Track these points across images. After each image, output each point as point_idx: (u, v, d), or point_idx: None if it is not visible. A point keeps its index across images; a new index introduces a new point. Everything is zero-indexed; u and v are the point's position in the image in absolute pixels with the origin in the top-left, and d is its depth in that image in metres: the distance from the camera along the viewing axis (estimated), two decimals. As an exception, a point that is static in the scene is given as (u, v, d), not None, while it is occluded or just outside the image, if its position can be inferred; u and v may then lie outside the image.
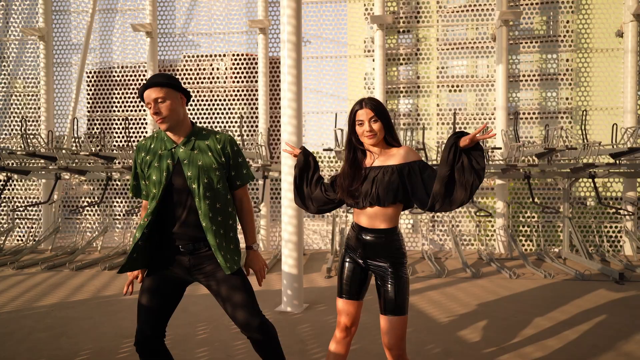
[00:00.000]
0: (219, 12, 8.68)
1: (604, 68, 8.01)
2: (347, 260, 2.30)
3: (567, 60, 8.14)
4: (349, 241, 2.31)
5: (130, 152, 6.60)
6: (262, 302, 4.70)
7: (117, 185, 8.64)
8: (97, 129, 8.80)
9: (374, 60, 8.23)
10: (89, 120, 8.97)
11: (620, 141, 6.07)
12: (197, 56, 8.84)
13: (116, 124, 8.84)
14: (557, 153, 6.97)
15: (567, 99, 8.14)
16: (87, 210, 8.64)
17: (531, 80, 8.18)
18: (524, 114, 8.20)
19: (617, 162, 6.34)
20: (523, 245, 7.95)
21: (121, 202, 8.65)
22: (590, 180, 7.27)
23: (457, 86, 8.44)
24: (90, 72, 9.00)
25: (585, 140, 6.24)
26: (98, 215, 8.63)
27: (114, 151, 7.37)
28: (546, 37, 8.25)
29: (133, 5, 8.80)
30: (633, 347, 3.42)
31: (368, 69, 8.68)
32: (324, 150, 7.65)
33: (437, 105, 8.40)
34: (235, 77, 8.77)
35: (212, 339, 3.65)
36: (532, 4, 8.13)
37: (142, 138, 2.32)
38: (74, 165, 6.90)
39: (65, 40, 8.91)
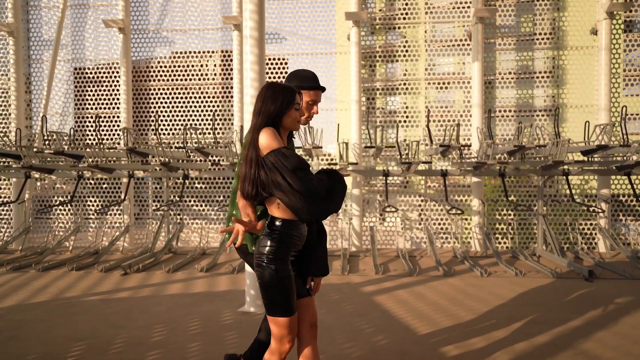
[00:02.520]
0: (194, 8, 8.55)
1: (580, 66, 8.04)
2: (291, 269, 2.08)
3: (548, 58, 8.16)
4: (294, 241, 2.06)
5: (102, 150, 6.44)
6: (227, 302, 4.63)
7: (90, 183, 8.48)
8: (90, 126, 8.61)
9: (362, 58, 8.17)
10: (77, 117, 8.76)
11: (592, 138, 6.08)
12: (182, 53, 8.66)
13: (100, 121, 8.64)
14: (530, 151, 6.99)
15: (547, 96, 8.16)
16: (60, 210, 8.47)
17: (510, 78, 8.18)
18: (504, 111, 8.20)
19: (589, 159, 6.35)
20: (499, 243, 7.96)
21: (94, 200, 8.50)
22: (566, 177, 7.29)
23: (445, 84, 8.43)
24: (76, 69, 8.83)
25: (557, 138, 6.24)
26: (71, 214, 8.46)
27: (88, 150, 7.21)
28: (524, 35, 8.25)
29: (106, 0, 8.63)
30: (591, 346, 3.40)
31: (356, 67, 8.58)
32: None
33: (425, 102, 8.38)
34: (210, 74, 8.64)
35: (167, 342, 3.56)
36: (508, 4, 8.12)
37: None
38: (38, 164, 6.73)
39: (37, 35, 8.71)
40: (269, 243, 2.03)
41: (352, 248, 7.70)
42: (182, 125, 8.37)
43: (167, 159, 5.88)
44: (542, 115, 8.12)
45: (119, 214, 8.37)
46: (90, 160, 5.96)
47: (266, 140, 1.96)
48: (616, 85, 7.92)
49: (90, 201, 8.50)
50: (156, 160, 5.87)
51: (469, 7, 8.10)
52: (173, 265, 6.16)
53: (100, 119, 8.49)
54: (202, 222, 8.31)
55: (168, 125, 8.51)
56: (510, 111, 8.20)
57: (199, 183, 8.44)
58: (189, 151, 6.47)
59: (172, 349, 3.40)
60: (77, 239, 8.16)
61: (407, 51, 8.29)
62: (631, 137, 7.65)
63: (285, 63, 8.60)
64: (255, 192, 2.01)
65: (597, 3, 7.73)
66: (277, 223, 2.03)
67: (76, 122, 8.71)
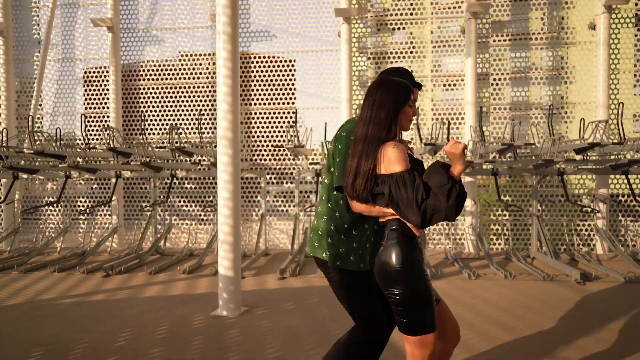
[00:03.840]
0: (183, 6, 8.45)
1: (586, 61, 7.78)
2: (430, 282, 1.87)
3: (554, 55, 7.93)
4: (420, 255, 1.85)
5: (81, 150, 6.35)
6: (202, 305, 4.51)
7: (80, 184, 8.43)
8: (101, 127, 8.55)
9: (366, 57, 7.98)
10: (85, 117, 8.71)
11: (587, 135, 5.86)
12: (193, 54, 8.54)
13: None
14: (526, 149, 6.78)
15: (552, 94, 7.94)
16: (50, 210, 8.43)
17: (514, 75, 7.96)
18: (506, 110, 7.97)
19: (584, 158, 6.13)
20: (494, 244, 7.75)
21: (84, 201, 8.44)
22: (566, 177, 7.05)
23: (451, 82, 8.23)
24: (86, 71, 8.81)
25: (552, 136, 6.03)
26: (63, 215, 8.41)
27: (69, 149, 7.14)
28: (528, 33, 8.01)
29: (95, -1, 8.58)
30: (571, 353, 3.22)
31: (361, 65, 8.42)
32: None
33: (432, 100, 8.19)
34: (201, 73, 8.53)
35: (129, 347, 3.44)
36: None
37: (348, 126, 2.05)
38: (25, 164, 6.68)
39: (27, 35, 8.69)
40: (403, 250, 1.79)
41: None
42: (177, 124, 8.29)
43: (148, 159, 5.78)
44: (552, 113, 7.84)
45: (109, 215, 8.29)
46: (71, 160, 5.86)
47: (396, 159, 1.77)
48: (615, 82, 7.67)
49: (80, 202, 8.45)
50: (138, 160, 5.76)
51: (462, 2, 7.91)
52: (156, 267, 6.06)
53: (86, 119, 8.45)
54: (191, 222, 8.21)
55: (167, 124, 8.40)
56: (508, 109, 7.98)
57: (188, 183, 8.35)
58: (174, 151, 6.36)
59: (131, 355, 3.29)
60: (67, 240, 8.11)
61: (413, 49, 8.11)
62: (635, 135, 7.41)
63: (293, 61, 8.45)
64: (366, 193, 1.81)
65: (595, -3, 7.50)
66: (402, 226, 1.82)
67: (83, 122, 8.64)
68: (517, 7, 8.04)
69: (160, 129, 8.41)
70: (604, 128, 5.27)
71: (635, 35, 7.77)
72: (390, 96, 1.83)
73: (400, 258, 1.79)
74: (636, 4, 7.68)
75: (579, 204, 6.98)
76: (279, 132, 8.27)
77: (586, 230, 7.47)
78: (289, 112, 8.28)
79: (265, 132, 8.33)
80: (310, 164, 6.76)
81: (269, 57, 8.38)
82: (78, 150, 6.07)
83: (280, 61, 8.42)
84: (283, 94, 8.40)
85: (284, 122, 8.25)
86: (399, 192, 1.73)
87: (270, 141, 8.24)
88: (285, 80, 8.38)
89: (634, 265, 5.82)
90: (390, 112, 1.82)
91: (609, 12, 7.34)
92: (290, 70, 8.43)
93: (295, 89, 8.42)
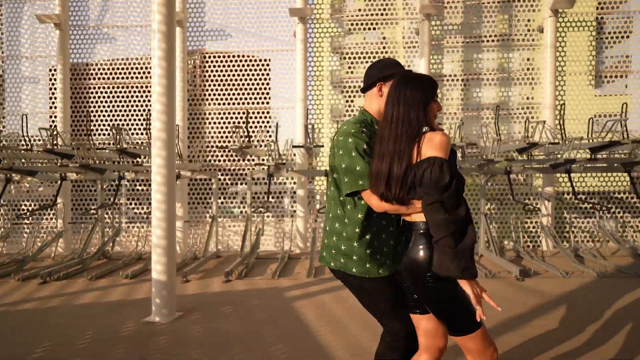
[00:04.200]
0: (136, 3, 8.24)
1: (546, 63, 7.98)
2: None
3: (527, 58, 8.09)
4: None
5: (17, 152, 6.09)
6: (136, 311, 4.38)
7: (25, 187, 8.10)
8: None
9: (338, 57, 7.93)
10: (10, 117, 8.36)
11: (536, 136, 5.99)
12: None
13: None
14: (475, 149, 6.90)
15: (520, 95, 8.11)
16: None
17: (478, 77, 8.09)
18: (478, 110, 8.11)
19: (528, 157, 6.27)
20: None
21: (29, 204, 8.12)
22: (532, 176, 7.21)
23: None
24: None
25: (498, 136, 6.15)
26: (2, 219, 8.06)
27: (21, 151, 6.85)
28: (503, 35, 8.15)
29: (42, -5, 8.27)
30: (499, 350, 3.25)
31: (333, 66, 8.38)
32: (293, 147, 6.97)
33: None
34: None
35: (45, 358, 3.29)
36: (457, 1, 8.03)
37: (356, 123, 1.92)
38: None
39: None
40: (429, 253, 1.73)
41: (296, 250, 7.51)
42: (127, 125, 8.07)
43: (88, 161, 5.58)
44: (518, 113, 7.99)
45: (53, 219, 8.00)
46: (5, 162, 5.61)
47: (440, 145, 1.70)
48: (562, 83, 7.89)
49: (25, 205, 8.12)
50: (77, 162, 5.56)
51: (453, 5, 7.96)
52: (97, 272, 5.86)
53: (27, 118, 8.15)
54: (142, 225, 8.01)
55: (118, 124, 8.18)
56: (460, 110, 8.11)
57: (139, 185, 8.14)
58: (120, 152, 6.18)
59: (46, 366, 3.15)
60: (12, 246, 7.79)
61: (384, 50, 8.14)
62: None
63: (267, 61, 8.34)
64: (402, 193, 1.74)
65: (543, 0, 7.69)
66: (426, 228, 1.75)
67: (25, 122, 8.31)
68: (473, 10, 8.15)
69: (110, 130, 8.18)
70: (542, 128, 5.38)
71: (595, 38, 8.00)
72: (420, 92, 1.77)
73: (428, 264, 1.73)
74: (597, 7, 7.93)
75: (521, 202, 7.14)
76: (230, 132, 8.16)
77: (533, 227, 7.66)
78: (244, 112, 8.18)
79: (218, 132, 8.20)
80: (256, 164, 6.68)
81: (224, 57, 8.27)
82: (15, 151, 5.81)
83: (236, 61, 8.31)
84: (238, 93, 8.29)
85: (238, 123, 8.15)
86: (430, 173, 1.66)
87: (225, 142, 8.13)
88: (241, 80, 8.28)
89: (572, 261, 5.99)
90: (420, 108, 1.75)
91: (556, 15, 7.55)
92: (249, 70, 8.32)
93: (254, 88, 8.32)
